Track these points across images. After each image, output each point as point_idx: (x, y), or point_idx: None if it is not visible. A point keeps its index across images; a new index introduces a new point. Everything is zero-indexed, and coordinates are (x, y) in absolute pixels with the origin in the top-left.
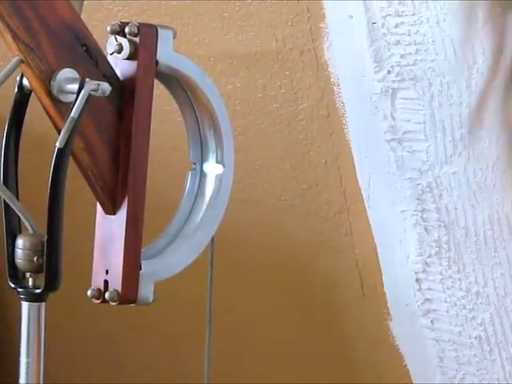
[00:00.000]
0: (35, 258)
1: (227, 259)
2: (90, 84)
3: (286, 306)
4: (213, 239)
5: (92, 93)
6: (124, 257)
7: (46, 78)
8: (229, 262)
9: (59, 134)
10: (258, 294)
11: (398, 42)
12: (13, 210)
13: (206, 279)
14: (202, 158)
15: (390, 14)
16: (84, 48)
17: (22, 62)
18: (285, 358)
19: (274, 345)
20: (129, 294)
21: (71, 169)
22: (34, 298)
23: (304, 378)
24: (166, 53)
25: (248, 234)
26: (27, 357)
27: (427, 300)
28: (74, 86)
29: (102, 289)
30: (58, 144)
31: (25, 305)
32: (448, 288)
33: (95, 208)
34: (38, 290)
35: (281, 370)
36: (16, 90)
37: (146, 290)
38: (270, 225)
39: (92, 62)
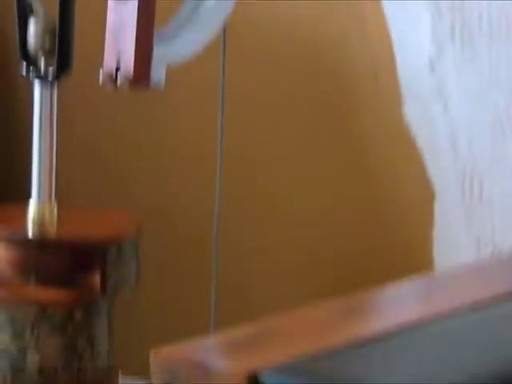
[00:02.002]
0: (47, 38)
1: (240, 48)
2: None
3: (300, 92)
4: (225, 29)
5: None
6: (136, 40)
7: None
8: (242, 50)
9: None
10: (272, 80)
11: None
12: None
13: (219, 68)
14: None
15: None
16: None
17: None
18: (297, 140)
19: (286, 134)
20: (141, 78)
21: None
22: (47, 81)
23: (315, 153)
24: None
25: (261, 23)
26: (39, 140)
27: (440, 85)
28: None
29: (114, 75)
30: None
31: (37, 87)
32: (461, 73)
33: None
34: (49, 76)
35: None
36: None
37: (158, 74)
38: (284, 15)
39: None
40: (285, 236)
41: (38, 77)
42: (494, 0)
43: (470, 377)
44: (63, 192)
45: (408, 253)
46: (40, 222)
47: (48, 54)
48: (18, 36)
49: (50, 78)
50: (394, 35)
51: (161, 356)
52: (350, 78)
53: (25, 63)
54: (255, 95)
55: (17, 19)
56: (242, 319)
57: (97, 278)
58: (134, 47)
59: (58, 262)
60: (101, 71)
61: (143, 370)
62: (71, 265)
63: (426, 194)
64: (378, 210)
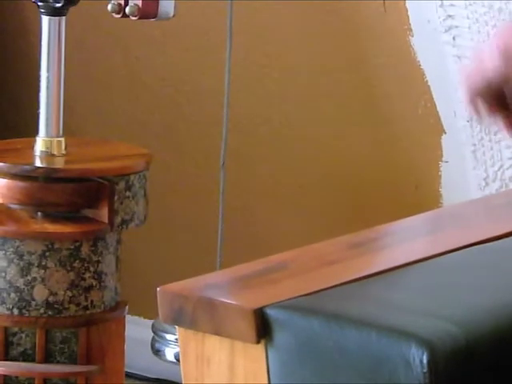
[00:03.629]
0: None
1: None
2: None
3: (311, 25)
4: None
5: None
6: None
7: None
8: None
9: None
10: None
11: None
12: None
13: None
14: None
15: None
16: None
17: None
18: (309, 72)
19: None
20: (149, 8)
21: None
22: (55, 12)
23: (324, 92)
24: None
25: None
26: (47, 71)
27: (449, 16)
28: None
29: (123, 3)
30: None
31: (45, 19)
32: (470, 4)
33: None
34: (58, 4)
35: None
36: None
37: (167, 5)
38: None
39: None
40: (291, 169)
41: (47, 12)
42: None
43: (467, 308)
44: (71, 124)
45: (416, 189)
46: (48, 156)
47: None
48: None
49: (58, 11)
50: None
51: (167, 292)
52: (359, 10)
53: None
54: None
55: None
56: (248, 256)
57: (104, 212)
58: None
59: (65, 196)
60: None
61: (150, 307)
62: (78, 198)
63: (434, 130)
64: (387, 145)
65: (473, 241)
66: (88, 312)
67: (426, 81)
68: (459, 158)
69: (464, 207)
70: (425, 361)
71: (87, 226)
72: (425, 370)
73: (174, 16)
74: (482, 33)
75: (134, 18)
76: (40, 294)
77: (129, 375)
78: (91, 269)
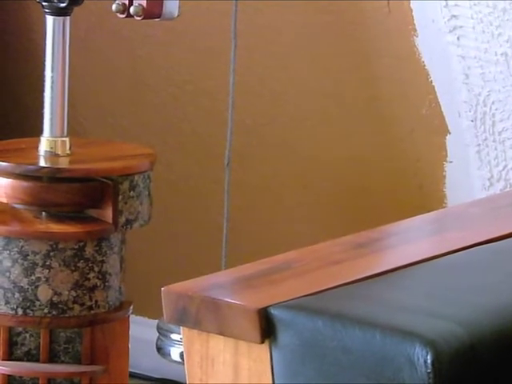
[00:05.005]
0: None
1: None
2: None
3: (316, 22)
4: None
5: None
6: None
7: None
8: None
9: None
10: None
11: None
12: None
13: None
14: None
15: None
16: None
17: None
18: (311, 72)
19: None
20: (153, 8)
21: None
22: (59, 12)
23: (328, 92)
24: None
25: None
26: (52, 71)
27: (454, 16)
28: None
29: (127, 3)
30: None
31: (49, 19)
32: (475, 4)
33: None
34: (62, 4)
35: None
36: None
37: (172, 5)
38: None
39: None
40: (295, 169)
41: (51, 12)
42: None
43: (471, 308)
44: (75, 124)
45: (420, 189)
46: (52, 156)
47: None
48: None
49: (62, 11)
50: None
51: (172, 292)
52: (364, 11)
53: None
54: None
55: None
56: (252, 256)
57: (108, 212)
58: None
59: (69, 196)
60: None
61: (154, 307)
62: (83, 198)
63: (439, 130)
64: (391, 145)
65: (477, 241)
66: (92, 312)
67: (431, 81)
68: (464, 158)
69: (468, 207)
70: (429, 361)
71: (91, 225)
72: (429, 370)
73: (178, 16)
74: (487, 33)
75: (138, 18)
76: (44, 293)
77: (133, 375)
78: (95, 269)
